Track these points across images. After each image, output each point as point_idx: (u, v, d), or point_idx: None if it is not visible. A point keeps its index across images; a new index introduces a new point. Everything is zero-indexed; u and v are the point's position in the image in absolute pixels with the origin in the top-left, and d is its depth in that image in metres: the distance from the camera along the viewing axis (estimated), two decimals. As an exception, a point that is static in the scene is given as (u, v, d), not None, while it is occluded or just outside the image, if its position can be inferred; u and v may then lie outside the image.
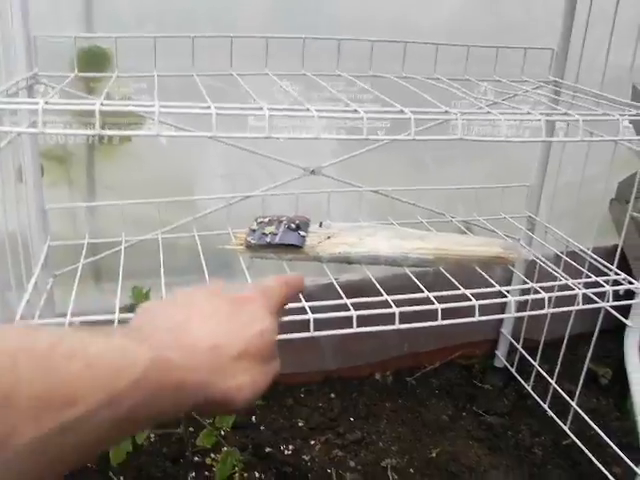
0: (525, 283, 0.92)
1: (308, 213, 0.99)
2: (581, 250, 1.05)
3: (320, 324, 0.75)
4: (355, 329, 0.73)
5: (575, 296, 0.90)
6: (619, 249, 1.03)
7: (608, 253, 1.06)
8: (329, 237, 0.88)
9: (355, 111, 0.69)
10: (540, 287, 0.89)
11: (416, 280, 0.85)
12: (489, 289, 0.86)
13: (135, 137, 1.07)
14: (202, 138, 0.68)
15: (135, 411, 0.32)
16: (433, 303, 0.78)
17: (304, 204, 1.04)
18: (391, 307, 0.76)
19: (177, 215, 1.01)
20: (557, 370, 1.15)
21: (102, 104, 0.62)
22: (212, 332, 0.39)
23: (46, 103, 0.63)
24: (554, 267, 1.03)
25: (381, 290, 0.81)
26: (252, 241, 0.86)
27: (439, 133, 0.75)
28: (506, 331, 1.32)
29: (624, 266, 1.26)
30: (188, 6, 1.03)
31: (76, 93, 0.94)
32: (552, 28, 1.10)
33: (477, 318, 0.79)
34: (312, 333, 0.73)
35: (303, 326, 0.74)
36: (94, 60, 1.01)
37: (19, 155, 0.86)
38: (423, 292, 0.81)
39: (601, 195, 1.25)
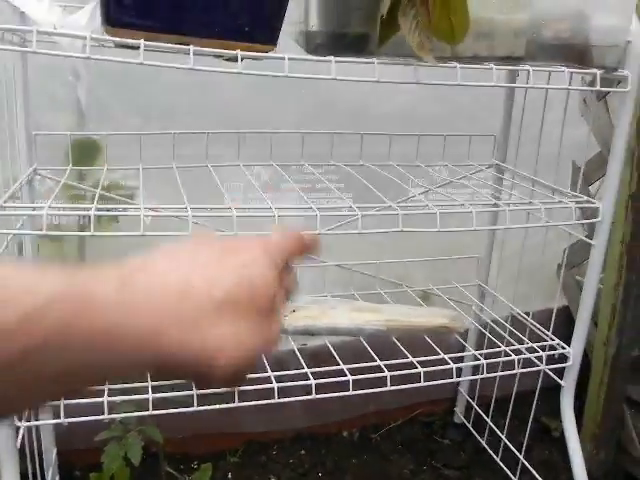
0: (475, 349, 1.04)
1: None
2: (521, 316, 1.18)
3: (285, 390, 0.86)
4: (314, 396, 0.84)
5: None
6: (554, 314, 1.14)
7: (556, 314, 1.16)
8: (294, 310, 0.99)
9: (310, 208, 0.82)
10: (483, 353, 1.01)
11: (368, 348, 0.95)
12: (439, 356, 0.97)
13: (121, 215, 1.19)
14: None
15: (35, 357, 0.24)
16: (383, 371, 0.89)
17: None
18: (346, 375, 0.87)
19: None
20: (506, 425, 1.25)
21: (97, 209, 0.74)
22: (185, 275, 0.30)
23: (50, 207, 0.75)
24: (501, 332, 1.15)
25: (338, 359, 0.92)
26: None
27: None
28: (463, 389, 1.43)
29: (571, 326, 1.38)
30: (169, 100, 1.17)
31: (71, 184, 1.07)
32: (497, 113, 1.25)
33: (423, 384, 0.90)
34: (276, 400, 0.83)
35: (270, 392, 0.85)
36: (86, 150, 1.14)
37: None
38: (375, 361, 0.92)
39: (549, 261, 1.41)
